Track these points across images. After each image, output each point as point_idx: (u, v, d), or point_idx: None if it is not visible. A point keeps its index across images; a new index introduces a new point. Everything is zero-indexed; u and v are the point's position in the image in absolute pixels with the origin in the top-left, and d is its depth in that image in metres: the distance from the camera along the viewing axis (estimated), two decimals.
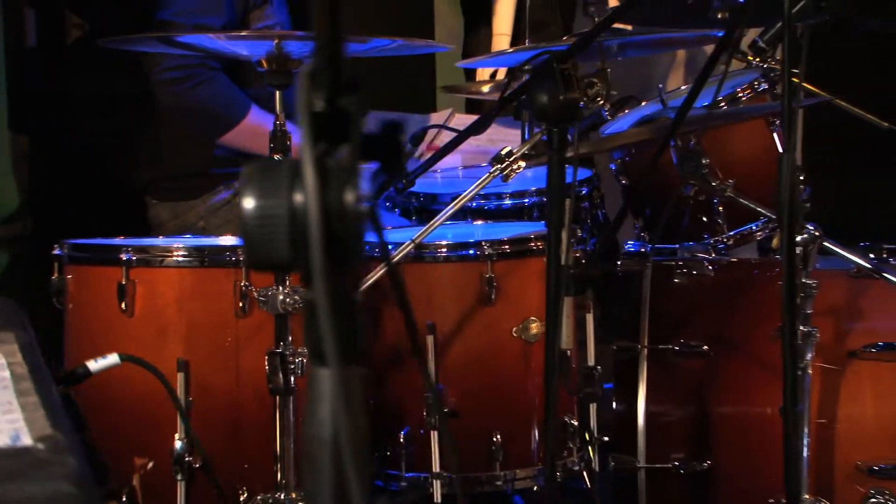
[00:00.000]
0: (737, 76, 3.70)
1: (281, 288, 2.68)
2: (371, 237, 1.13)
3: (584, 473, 3.26)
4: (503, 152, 2.82)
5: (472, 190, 2.85)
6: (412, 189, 3.54)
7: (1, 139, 4.14)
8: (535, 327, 3.07)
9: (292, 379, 2.72)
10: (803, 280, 3.02)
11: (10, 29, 3.91)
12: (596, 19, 3.43)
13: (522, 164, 2.82)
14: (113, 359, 2.56)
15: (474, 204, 3.55)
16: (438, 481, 3.06)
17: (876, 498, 3.15)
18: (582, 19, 4.84)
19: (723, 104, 3.53)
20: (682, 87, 4.01)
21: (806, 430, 3.01)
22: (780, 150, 3.64)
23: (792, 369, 2.38)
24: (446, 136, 3.86)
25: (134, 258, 2.84)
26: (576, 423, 3.22)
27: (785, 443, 2.42)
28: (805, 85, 3.80)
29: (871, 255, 3.35)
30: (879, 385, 3.25)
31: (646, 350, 3.28)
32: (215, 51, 3.14)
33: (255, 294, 2.78)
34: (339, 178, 1.05)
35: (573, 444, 3.22)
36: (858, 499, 3.16)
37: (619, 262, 3.47)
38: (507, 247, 3.10)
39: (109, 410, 2.89)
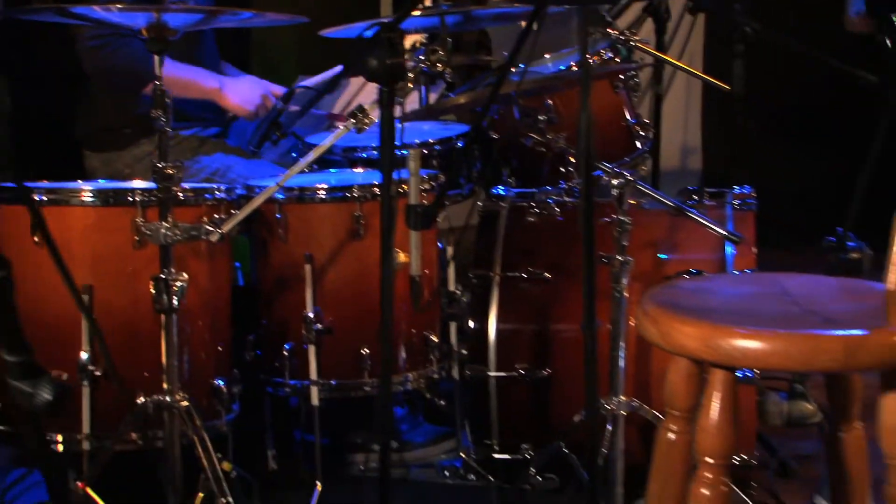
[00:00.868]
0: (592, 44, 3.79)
1: (164, 223, 2.72)
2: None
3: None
4: (357, 108, 2.89)
5: (329, 141, 2.91)
6: (312, 140, 3.61)
7: None
8: (399, 257, 3.11)
9: (175, 300, 2.76)
10: (620, 217, 3.13)
11: None
12: None
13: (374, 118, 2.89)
14: None
15: (365, 154, 3.58)
16: (315, 387, 3.15)
17: None
18: None
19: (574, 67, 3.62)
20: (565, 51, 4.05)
21: (623, 343, 3.08)
22: (627, 113, 3.76)
23: (589, 291, 2.44)
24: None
25: (45, 198, 2.90)
26: (436, 339, 3.31)
27: (585, 352, 2.49)
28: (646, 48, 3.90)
29: (695, 197, 3.45)
30: None
31: (497, 277, 3.37)
32: (102, 20, 3.05)
33: (143, 228, 2.81)
34: None
35: (434, 357, 3.31)
36: None
37: (480, 203, 3.55)
38: (375, 189, 3.16)
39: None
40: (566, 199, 3.46)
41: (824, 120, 6.37)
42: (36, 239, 2.87)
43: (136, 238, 2.88)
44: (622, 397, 3.10)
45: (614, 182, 3.10)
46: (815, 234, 4.11)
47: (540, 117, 3.32)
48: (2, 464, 3.25)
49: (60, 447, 2.95)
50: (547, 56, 3.96)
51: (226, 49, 4.21)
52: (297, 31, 4.02)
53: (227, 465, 3.04)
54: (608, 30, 3.73)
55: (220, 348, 3.16)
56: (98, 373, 2.89)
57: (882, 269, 3.78)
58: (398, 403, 3.85)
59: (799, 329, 1.89)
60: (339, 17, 3.47)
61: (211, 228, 2.79)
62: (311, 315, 3.14)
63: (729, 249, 3.30)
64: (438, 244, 3.45)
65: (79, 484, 2.83)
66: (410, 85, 3.00)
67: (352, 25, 3.18)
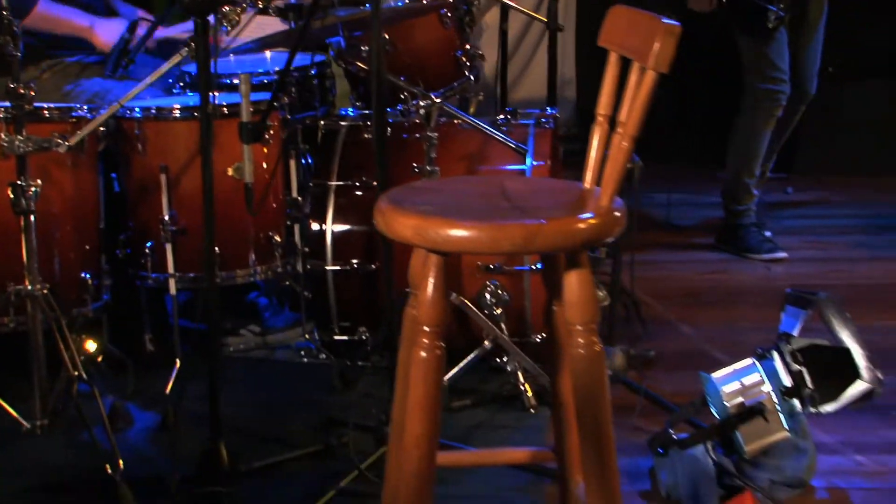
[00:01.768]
0: None
1: (18, 136, 2.73)
2: None
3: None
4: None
5: (165, 68, 2.94)
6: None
7: None
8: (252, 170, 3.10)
9: (31, 203, 2.78)
10: (428, 133, 3.20)
11: None
12: None
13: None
14: None
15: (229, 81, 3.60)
16: (172, 279, 3.21)
17: (489, 286, 3.33)
18: None
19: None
20: None
21: None
22: (456, 45, 3.76)
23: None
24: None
25: None
26: (279, 239, 3.35)
27: (383, 250, 2.57)
28: None
29: (508, 117, 3.50)
30: None
31: (334, 185, 3.44)
32: None
33: (2, 140, 2.78)
34: None
35: (278, 254, 3.36)
36: (478, 287, 3.35)
37: (322, 122, 3.57)
38: (224, 110, 3.18)
39: None
40: (401, 118, 3.49)
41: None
42: None
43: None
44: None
45: (422, 104, 3.17)
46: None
47: (363, 48, 3.37)
48: None
49: None
50: None
51: None
52: None
53: (90, 344, 3.13)
54: None
55: (87, 247, 3.19)
56: None
57: (652, 178, 3.88)
58: (264, 294, 3.95)
59: (492, 220, 1.93)
60: None
61: (60, 141, 2.80)
62: (167, 218, 3.18)
63: (529, 161, 3.34)
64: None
65: None
66: (237, 17, 3.01)
67: None
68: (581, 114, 6.46)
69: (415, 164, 3.21)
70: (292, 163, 3.45)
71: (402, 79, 3.39)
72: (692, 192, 5.71)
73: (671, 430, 2.78)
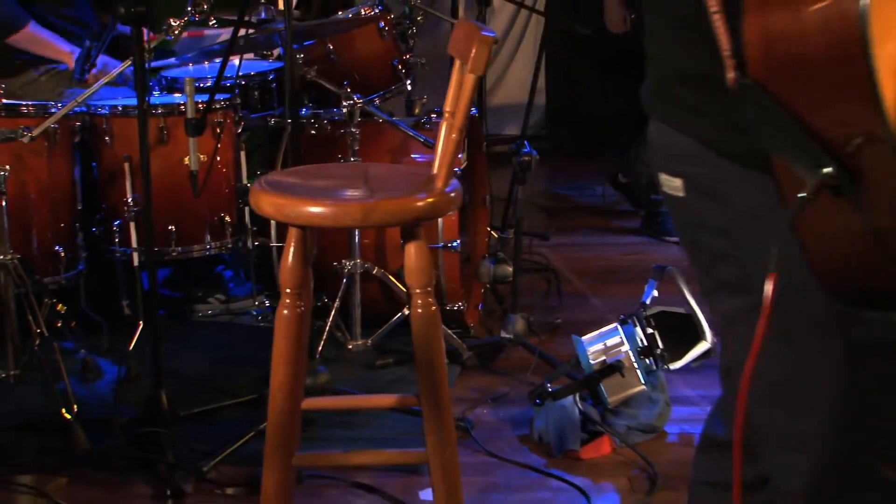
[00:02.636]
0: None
1: None
2: None
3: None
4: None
5: (115, 72, 3.02)
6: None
7: None
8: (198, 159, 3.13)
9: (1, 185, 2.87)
10: (351, 129, 3.26)
11: None
12: None
13: None
14: None
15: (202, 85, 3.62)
16: (136, 253, 3.25)
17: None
18: None
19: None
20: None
21: None
22: (394, 55, 3.81)
23: None
24: None
25: None
26: (230, 219, 3.40)
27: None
28: None
29: (432, 116, 3.55)
30: None
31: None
32: None
33: None
34: None
35: (228, 232, 3.40)
36: (399, 263, 3.24)
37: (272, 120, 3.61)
38: (181, 107, 3.22)
39: None
40: (338, 118, 3.49)
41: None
42: None
43: None
44: (358, 260, 3.27)
45: (345, 103, 3.24)
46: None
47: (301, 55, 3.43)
48: None
49: None
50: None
51: None
52: None
53: (60, 307, 3.20)
54: None
55: (62, 224, 3.25)
56: None
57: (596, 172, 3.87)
58: (230, 268, 4.02)
59: (337, 199, 1.99)
60: None
61: (25, 132, 2.88)
62: (130, 200, 3.23)
63: None
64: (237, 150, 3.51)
65: None
66: (176, 30, 3.05)
67: None
68: (550, 117, 6.51)
69: (340, 156, 3.28)
70: (243, 154, 3.49)
71: (344, 83, 3.45)
72: None
73: (548, 384, 2.84)
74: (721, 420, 1.62)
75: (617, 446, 2.77)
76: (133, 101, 3.30)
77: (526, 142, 3.29)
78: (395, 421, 2.92)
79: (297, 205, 2.00)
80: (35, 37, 3.59)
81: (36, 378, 3.02)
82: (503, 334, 3.35)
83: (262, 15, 3.65)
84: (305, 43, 3.60)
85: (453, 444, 2.12)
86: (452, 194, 2.08)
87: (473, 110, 3.68)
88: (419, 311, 2.07)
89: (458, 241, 3.32)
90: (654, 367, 2.77)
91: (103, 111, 3.25)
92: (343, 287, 3.23)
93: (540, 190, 5.50)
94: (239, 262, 3.91)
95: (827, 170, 1.06)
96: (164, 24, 3.01)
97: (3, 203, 2.92)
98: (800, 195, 1.07)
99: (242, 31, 3.24)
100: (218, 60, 3.80)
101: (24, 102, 3.13)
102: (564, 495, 2.60)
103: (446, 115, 2.17)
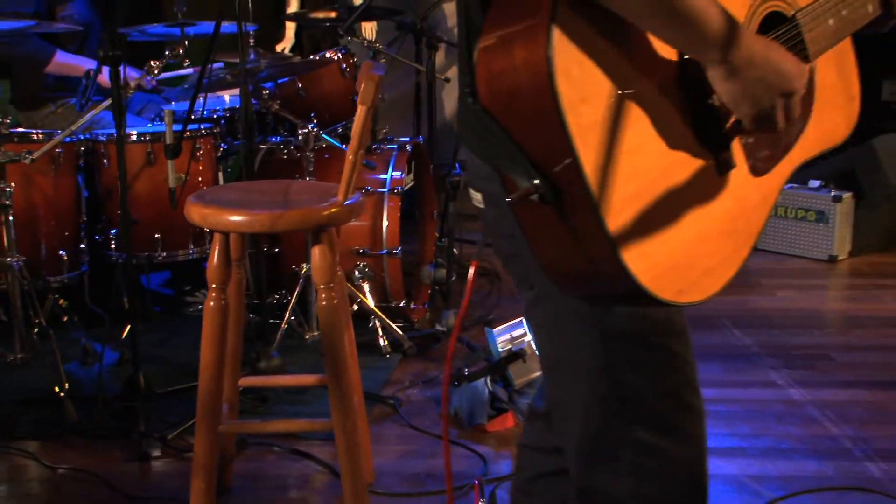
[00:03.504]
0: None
1: None
2: None
3: None
4: None
5: (99, 109, 3.07)
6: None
7: None
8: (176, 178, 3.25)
9: (6, 199, 2.99)
10: (306, 153, 3.34)
11: None
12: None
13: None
14: None
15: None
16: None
17: (358, 265, 3.42)
18: None
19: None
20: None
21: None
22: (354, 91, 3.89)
23: None
24: None
25: None
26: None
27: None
28: None
29: (381, 144, 3.63)
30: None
31: None
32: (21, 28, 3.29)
33: None
34: None
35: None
36: (350, 266, 3.42)
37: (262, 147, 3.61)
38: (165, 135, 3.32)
39: None
40: (295, 144, 3.53)
41: None
42: None
43: None
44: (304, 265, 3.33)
45: (301, 131, 3.33)
46: None
47: (263, 91, 3.52)
48: None
49: None
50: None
51: None
52: None
53: (62, 301, 3.31)
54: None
55: (66, 233, 3.33)
56: None
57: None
58: None
59: (252, 209, 2.05)
60: None
61: (27, 155, 2.98)
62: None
63: (391, 174, 3.46)
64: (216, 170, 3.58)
65: None
66: (155, 70, 3.16)
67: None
68: None
69: (297, 175, 3.37)
70: (220, 174, 3.57)
71: (311, 115, 3.54)
72: None
73: (465, 369, 2.91)
74: (540, 395, 1.69)
75: (519, 421, 2.83)
76: (127, 130, 3.43)
77: (458, 164, 3.36)
78: None
79: (218, 214, 2.08)
80: (63, 63, 3.67)
81: (38, 361, 3.12)
82: (438, 327, 3.43)
83: (251, 56, 3.75)
84: (280, 81, 3.69)
85: (354, 415, 2.16)
86: (350, 206, 2.15)
87: (419, 138, 3.79)
88: (323, 303, 2.12)
89: (399, 248, 3.40)
90: None
91: (102, 138, 3.35)
92: (300, 286, 3.32)
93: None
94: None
95: (535, 181, 1.10)
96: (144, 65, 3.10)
97: (10, 214, 3.02)
98: (507, 199, 1.13)
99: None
100: (219, 94, 3.96)
101: (34, 131, 3.23)
102: (467, 461, 2.66)
103: (352, 140, 2.24)
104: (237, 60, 3.25)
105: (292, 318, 3.34)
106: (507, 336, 2.89)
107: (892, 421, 2.92)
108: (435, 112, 4.52)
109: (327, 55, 3.69)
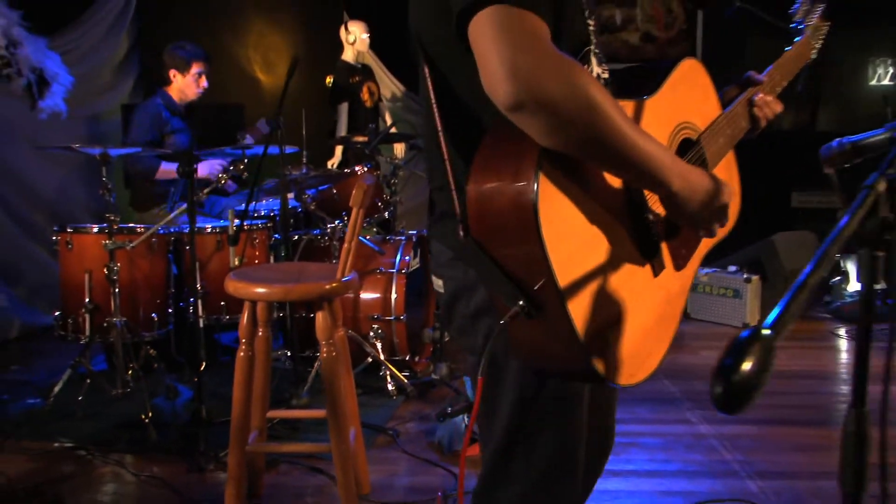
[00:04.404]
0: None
1: (108, 240, 3.01)
2: None
3: None
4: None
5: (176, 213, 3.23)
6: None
7: None
8: (240, 260, 3.33)
9: (115, 275, 3.03)
10: (334, 242, 3.42)
11: None
12: None
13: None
14: None
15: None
16: (200, 318, 3.29)
17: (373, 327, 3.40)
18: None
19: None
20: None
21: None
22: (377, 195, 3.99)
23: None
24: None
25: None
26: None
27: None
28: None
29: (392, 235, 3.70)
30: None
31: None
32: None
33: (106, 242, 3.06)
34: None
35: None
36: (367, 328, 3.42)
37: (304, 238, 3.79)
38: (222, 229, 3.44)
39: None
40: (325, 236, 3.55)
41: None
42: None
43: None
44: (349, 330, 3.33)
45: (329, 226, 3.39)
46: None
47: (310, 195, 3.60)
48: None
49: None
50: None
51: None
52: None
53: (152, 351, 3.39)
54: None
55: (157, 301, 3.38)
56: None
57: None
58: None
59: (272, 284, 2.12)
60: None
61: (128, 243, 3.11)
62: (199, 286, 3.34)
63: (399, 258, 3.48)
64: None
65: None
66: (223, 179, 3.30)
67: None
68: None
69: (327, 260, 3.43)
70: (272, 257, 3.61)
71: (343, 213, 3.62)
72: None
73: (449, 408, 2.90)
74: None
75: None
76: (201, 225, 3.54)
77: None
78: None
79: (246, 287, 2.17)
80: (166, 171, 3.77)
81: (133, 396, 3.18)
82: (433, 376, 3.45)
83: (304, 171, 3.87)
84: (320, 188, 3.80)
85: (347, 440, 2.20)
86: (346, 282, 2.22)
87: (424, 231, 3.84)
88: (324, 355, 2.18)
89: (405, 315, 3.43)
90: None
91: (185, 229, 3.45)
92: None
93: None
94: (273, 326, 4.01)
95: (521, 302, 1.05)
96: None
97: (117, 288, 3.10)
98: (501, 321, 1.06)
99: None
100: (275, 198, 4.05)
101: (138, 225, 3.34)
102: (444, 478, 2.66)
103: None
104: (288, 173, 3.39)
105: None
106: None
107: (769, 449, 2.90)
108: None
109: (356, 169, 3.78)
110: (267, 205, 3.96)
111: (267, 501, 2.54)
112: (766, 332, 0.77)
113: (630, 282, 1.14)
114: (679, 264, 1.29)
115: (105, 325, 3.15)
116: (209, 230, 3.46)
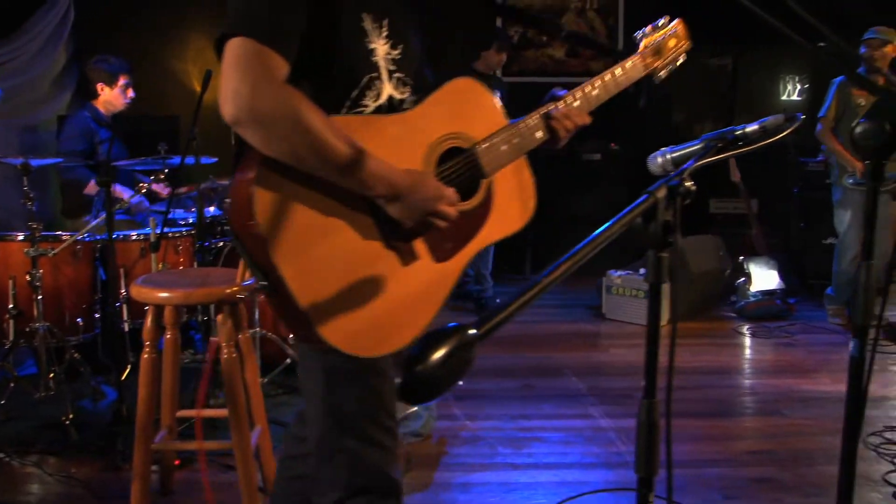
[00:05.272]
0: None
1: (31, 248, 3.02)
2: None
3: None
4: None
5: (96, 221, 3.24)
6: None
7: None
8: (162, 266, 3.40)
9: (38, 282, 3.01)
10: None
11: None
12: None
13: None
14: None
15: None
16: (126, 323, 3.33)
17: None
18: None
19: None
20: None
21: (257, 300, 3.42)
22: None
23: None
24: None
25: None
26: None
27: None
28: None
29: None
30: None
31: None
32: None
33: (28, 250, 3.01)
34: None
35: (185, 310, 3.60)
36: (288, 332, 3.47)
37: (227, 244, 3.81)
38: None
39: None
40: None
41: None
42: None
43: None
44: (258, 328, 3.39)
45: None
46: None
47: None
48: None
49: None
50: None
51: None
52: None
53: (76, 355, 3.36)
54: None
55: (83, 305, 3.35)
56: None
57: None
58: (198, 331, 4.10)
59: (174, 288, 2.14)
60: None
61: (51, 250, 3.07)
62: (123, 291, 3.34)
63: None
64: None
65: None
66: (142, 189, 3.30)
67: None
68: None
69: None
70: (195, 264, 3.58)
71: None
72: None
73: None
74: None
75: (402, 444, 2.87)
76: (126, 233, 3.50)
77: None
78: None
79: (149, 292, 2.18)
80: (96, 188, 3.74)
81: (56, 398, 3.15)
82: None
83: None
84: None
85: (247, 438, 2.20)
86: (246, 286, 2.23)
87: None
88: (224, 356, 2.19)
89: None
90: None
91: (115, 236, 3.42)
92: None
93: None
94: (203, 329, 4.03)
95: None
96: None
97: (40, 294, 3.08)
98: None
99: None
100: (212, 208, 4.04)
101: (63, 233, 3.31)
102: None
103: None
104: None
105: None
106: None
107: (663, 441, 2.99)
108: None
109: None
110: (193, 213, 3.96)
111: (177, 497, 2.56)
112: (470, 330, 0.75)
113: (370, 267, 1.27)
114: (440, 256, 1.38)
115: (28, 329, 3.14)
116: (134, 237, 3.45)
